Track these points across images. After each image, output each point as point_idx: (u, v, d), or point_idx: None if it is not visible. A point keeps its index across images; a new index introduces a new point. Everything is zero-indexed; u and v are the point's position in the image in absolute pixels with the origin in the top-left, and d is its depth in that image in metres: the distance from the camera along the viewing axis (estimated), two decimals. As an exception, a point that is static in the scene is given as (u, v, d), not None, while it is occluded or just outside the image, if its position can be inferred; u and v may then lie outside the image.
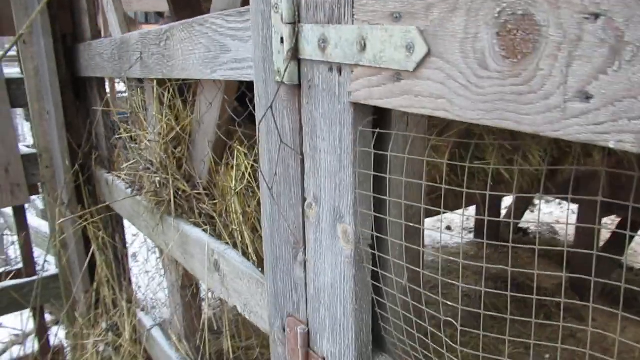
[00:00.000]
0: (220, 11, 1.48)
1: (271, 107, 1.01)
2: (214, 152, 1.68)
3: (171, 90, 1.84)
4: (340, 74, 0.85)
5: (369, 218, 0.90)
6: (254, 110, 1.15)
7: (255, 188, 1.63)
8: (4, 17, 2.69)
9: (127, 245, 3.09)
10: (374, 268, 0.91)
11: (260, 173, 1.13)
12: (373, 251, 0.90)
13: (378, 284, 0.92)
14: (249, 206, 1.66)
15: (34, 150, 2.93)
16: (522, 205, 4.85)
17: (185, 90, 1.83)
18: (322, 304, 1.01)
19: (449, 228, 5.32)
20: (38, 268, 3.11)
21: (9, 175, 2.80)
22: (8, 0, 2.70)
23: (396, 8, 0.73)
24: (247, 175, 1.65)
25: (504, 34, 0.59)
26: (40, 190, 2.96)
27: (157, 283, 3.49)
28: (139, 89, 2.09)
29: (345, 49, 0.82)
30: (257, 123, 1.10)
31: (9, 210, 2.97)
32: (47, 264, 3.28)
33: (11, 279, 3.01)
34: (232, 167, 1.72)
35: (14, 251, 4.05)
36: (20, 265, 3.10)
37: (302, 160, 0.99)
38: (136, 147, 2.13)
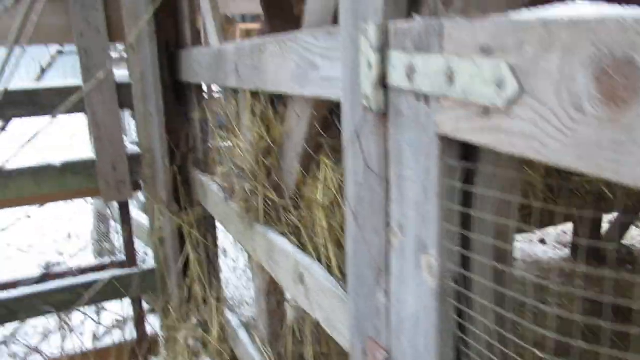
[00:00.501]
0: (312, 26, 1.50)
1: (358, 135, 1.01)
2: (301, 165, 1.71)
3: (263, 101, 1.89)
4: (428, 104, 0.83)
5: (454, 252, 0.87)
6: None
7: (341, 202, 1.64)
8: (115, 25, 2.90)
9: (218, 241, 3.23)
10: (458, 304, 0.88)
11: (345, 195, 1.14)
12: (458, 287, 0.88)
13: (462, 321, 0.89)
14: (334, 220, 1.67)
15: (137, 150, 3.14)
16: (626, 221, 4.48)
17: (276, 102, 1.88)
18: (404, 334, 0.99)
19: (542, 242, 5.04)
20: (138, 260, 3.34)
21: (116, 172, 3.03)
22: (119, 9, 2.91)
23: (486, 41, 0.70)
24: (333, 189, 1.67)
25: (603, 78, 0.55)
26: (142, 187, 3.17)
27: (244, 281, 3.62)
28: (233, 99, 2.17)
29: (433, 80, 0.80)
30: (343, 144, 1.10)
31: (115, 203, 3.21)
32: (146, 257, 3.53)
33: (115, 268, 3.27)
34: (319, 180, 1.74)
35: (118, 241, 4.38)
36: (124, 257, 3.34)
37: (388, 187, 0.98)
38: (229, 154, 2.22)
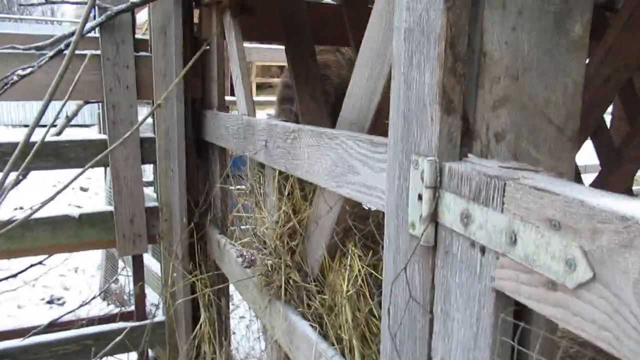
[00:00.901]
0: (347, 123, 1.51)
1: (402, 259, 1.00)
2: (328, 253, 1.69)
3: (291, 181, 1.89)
4: (483, 254, 0.82)
5: (501, 404, 0.85)
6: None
7: (368, 293, 1.62)
8: (144, 83, 2.95)
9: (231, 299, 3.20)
10: None
11: (383, 313, 1.12)
12: None
13: None
14: (359, 310, 1.64)
15: (155, 204, 3.14)
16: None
17: (305, 184, 1.88)
18: None
19: None
20: (147, 308, 3.30)
21: (133, 226, 3.03)
22: (149, 68, 2.96)
23: (555, 216, 0.69)
24: (359, 278, 1.65)
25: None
26: (158, 241, 3.16)
27: (253, 337, 3.55)
28: (259, 172, 2.18)
29: (492, 234, 0.79)
30: (384, 267, 1.09)
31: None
32: (155, 308, 3.48)
33: (123, 319, 3.23)
34: (345, 268, 1.72)
35: (127, 285, 4.34)
36: (132, 308, 3.29)
37: (432, 320, 0.96)
38: (252, 223, 2.22)
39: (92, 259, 6.52)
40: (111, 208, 3.01)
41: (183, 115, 2.93)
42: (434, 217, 0.92)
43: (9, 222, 2.61)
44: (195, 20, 3.11)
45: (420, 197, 0.95)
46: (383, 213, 1.15)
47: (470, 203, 0.83)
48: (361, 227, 1.63)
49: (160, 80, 2.97)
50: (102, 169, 7.37)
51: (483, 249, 0.82)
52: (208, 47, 2.80)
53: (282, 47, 3.38)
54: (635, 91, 3.89)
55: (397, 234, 1.06)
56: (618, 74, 2.11)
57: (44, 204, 2.68)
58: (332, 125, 1.96)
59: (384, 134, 1.26)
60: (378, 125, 1.45)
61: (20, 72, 2.54)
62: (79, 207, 7.83)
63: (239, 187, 2.49)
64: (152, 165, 3.83)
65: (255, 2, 3.07)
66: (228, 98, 3.69)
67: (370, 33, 1.41)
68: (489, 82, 0.95)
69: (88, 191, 10.19)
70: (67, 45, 2.68)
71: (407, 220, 1.01)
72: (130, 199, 2.99)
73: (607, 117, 4.18)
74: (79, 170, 2.69)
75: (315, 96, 2.85)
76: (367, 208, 2.43)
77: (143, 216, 3.04)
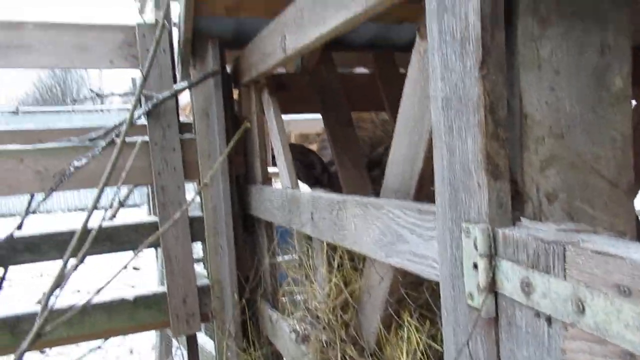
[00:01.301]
0: (391, 191, 1.51)
1: (464, 333, 0.95)
2: (383, 325, 1.65)
3: (340, 252, 1.88)
4: (550, 325, 0.78)
5: None
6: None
7: (429, 366, 1.55)
8: (189, 164, 3.06)
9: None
10: None
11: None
12: None
13: None
14: (421, 385, 1.57)
15: (206, 281, 3.17)
16: None
17: (355, 255, 1.86)
18: None
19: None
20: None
21: (186, 305, 3.04)
22: (194, 149, 3.08)
23: (623, 281, 0.65)
24: (419, 351, 1.58)
25: None
26: (211, 320, 3.16)
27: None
28: (307, 244, 2.18)
29: (557, 303, 0.75)
30: (444, 341, 1.05)
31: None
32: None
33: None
34: (402, 339, 1.66)
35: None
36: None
37: (501, 397, 0.91)
38: (303, 298, 2.19)
39: (147, 340, 6.54)
40: (164, 289, 3.05)
41: (229, 192, 3.00)
42: (492, 287, 0.89)
43: (69, 309, 2.68)
44: (235, 99, 3.24)
45: (475, 266, 0.92)
46: (437, 281, 1.12)
47: (530, 271, 0.80)
48: (415, 295, 1.58)
49: (205, 160, 3.07)
50: (153, 248, 7.56)
51: (549, 319, 0.78)
52: (249, 125, 2.90)
53: (318, 116, 3.48)
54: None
55: (454, 306, 1.02)
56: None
57: (101, 288, 2.75)
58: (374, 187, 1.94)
59: (430, 199, 1.25)
60: (423, 191, 1.44)
61: (76, 164, 2.69)
62: (132, 286, 7.99)
63: (287, 260, 2.49)
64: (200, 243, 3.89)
65: (290, 79, 3.19)
66: (270, 169, 3.78)
67: (406, 101, 1.43)
68: (533, 143, 0.94)
69: (140, 270, 10.43)
70: (117, 135, 2.84)
71: (464, 291, 0.97)
72: (182, 279, 3.03)
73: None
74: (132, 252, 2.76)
75: (356, 163, 2.88)
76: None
77: (195, 295, 3.06)
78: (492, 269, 0.88)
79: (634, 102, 2.51)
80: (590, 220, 0.97)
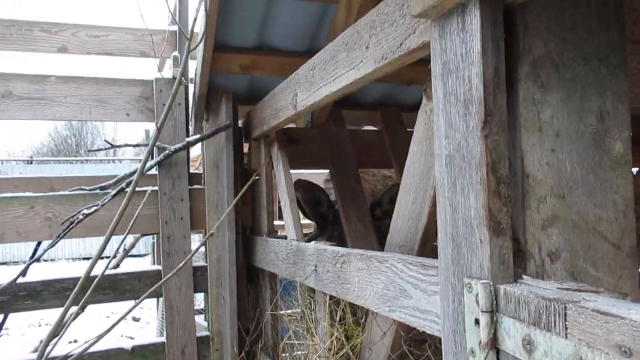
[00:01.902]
0: (396, 244, 1.52)
1: (466, 395, 0.94)
2: (386, 380, 1.62)
3: (343, 306, 1.87)
4: (552, 385, 0.78)
5: None
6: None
7: None
8: (197, 214, 3.09)
9: None
10: None
11: None
12: None
13: None
14: None
15: (207, 333, 3.13)
16: None
17: (357, 308, 1.85)
18: None
19: None
20: None
21: (185, 356, 2.99)
22: (202, 199, 3.12)
23: (624, 342, 0.66)
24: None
25: None
26: (209, 373, 3.09)
27: None
28: (310, 297, 2.17)
29: (559, 362, 0.75)
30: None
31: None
32: None
33: None
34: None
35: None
36: None
37: None
38: (303, 353, 2.16)
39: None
40: (163, 339, 3.01)
41: (234, 242, 3.01)
42: (494, 344, 0.89)
43: (66, 357, 2.64)
44: (245, 152, 3.31)
45: (477, 322, 0.93)
46: (439, 338, 1.12)
47: (531, 328, 0.81)
48: (418, 352, 1.56)
49: (212, 211, 3.10)
50: (154, 299, 7.47)
51: (551, 379, 0.78)
52: (258, 177, 2.95)
53: (325, 171, 3.52)
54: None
55: (456, 363, 1.01)
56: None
57: (99, 337, 2.71)
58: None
59: (433, 255, 1.26)
60: (427, 247, 1.45)
61: (85, 211, 2.72)
62: (131, 338, 7.84)
63: (290, 312, 2.46)
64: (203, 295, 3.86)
65: (300, 134, 3.26)
66: (276, 222, 3.80)
67: (412, 159, 1.47)
68: (535, 202, 0.96)
69: (140, 321, 10.25)
70: (127, 184, 2.89)
71: (465, 347, 0.97)
72: (182, 330, 2.99)
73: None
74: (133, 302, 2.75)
75: (362, 219, 2.90)
76: (422, 331, 2.34)
77: (194, 346, 3.02)
78: (494, 325, 0.88)
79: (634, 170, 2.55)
80: (594, 281, 0.98)
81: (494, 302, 0.89)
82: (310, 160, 3.25)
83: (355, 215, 2.91)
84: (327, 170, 3.51)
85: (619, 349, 0.66)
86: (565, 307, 0.75)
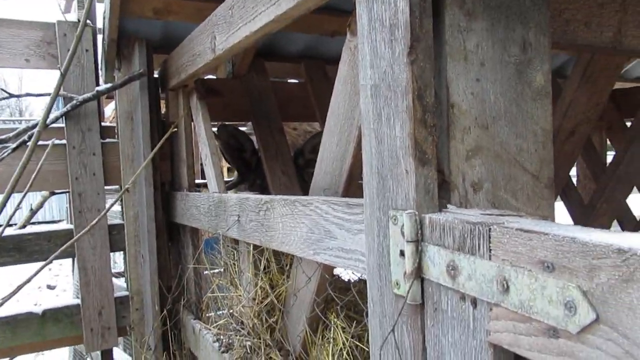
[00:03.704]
0: (319, 189, 1.49)
1: (392, 330, 0.93)
2: (309, 326, 1.61)
3: (267, 255, 1.83)
4: (475, 307, 0.78)
5: None
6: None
7: (355, 368, 1.52)
8: (111, 170, 2.90)
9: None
10: None
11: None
12: None
13: None
14: (347, 387, 1.54)
15: (126, 293, 3.00)
16: None
17: (282, 257, 1.82)
18: None
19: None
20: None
21: (102, 318, 2.86)
22: (116, 152, 2.93)
23: (547, 257, 0.66)
24: (344, 351, 1.56)
25: None
26: (129, 333, 2.98)
27: None
28: (233, 248, 2.11)
29: (482, 284, 0.75)
30: (370, 334, 1.02)
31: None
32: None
33: None
34: (328, 341, 1.63)
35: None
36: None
37: (426, 387, 0.89)
38: (228, 305, 2.11)
39: (58, 357, 6.11)
40: (78, 301, 2.85)
41: (152, 198, 2.87)
42: (418, 273, 0.88)
43: (-34, 324, 2.44)
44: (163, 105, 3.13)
45: (402, 254, 0.91)
46: (364, 281, 1.10)
47: (456, 254, 0.80)
48: (342, 297, 1.56)
49: (127, 166, 2.93)
50: (70, 264, 7.11)
51: (474, 301, 0.78)
52: (176, 129, 2.80)
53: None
54: (596, 149, 4.03)
55: (381, 296, 1.00)
56: (580, 127, 2.17)
57: (4, 300, 2.52)
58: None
59: (357, 196, 1.24)
60: (351, 189, 1.43)
61: (-18, 165, 2.47)
62: (45, 305, 7.45)
63: (212, 267, 2.40)
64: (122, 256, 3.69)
65: (220, 84, 3.12)
66: (198, 181, 3.66)
67: (336, 99, 1.42)
68: (459, 133, 0.95)
69: (55, 289, 9.77)
70: (30, 137, 2.65)
71: (390, 280, 0.96)
72: (99, 290, 2.84)
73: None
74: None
75: (286, 171, 2.85)
76: (347, 280, 2.36)
77: (112, 307, 2.89)
78: (419, 255, 0.87)
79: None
80: (514, 210, 0.99)
81: (419, 232, 0.88)
82: (230, 112, 3.13)
83: (279, 168, 2.86)
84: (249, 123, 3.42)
85: (541, 264, 0.66)
86: (490, 229, 0.74)
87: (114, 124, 3.12)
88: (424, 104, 0.90)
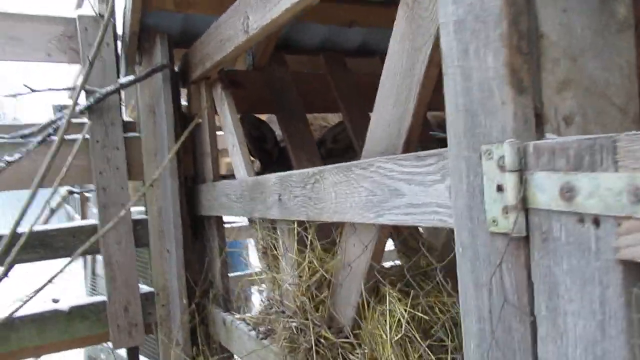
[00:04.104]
0: (379, 154, 1.46)
1: (500, 264, 0.90)
2: (363, 299, 1.57)
3: (311, 232, 1.79)
4: (598, 226, 0.74)
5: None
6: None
7: (416, 338, 1.48)
8: (134, 164, 2.87)
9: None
10: None
11: (465, 336, 1.00)
12: None
13: None
14: (407, 358, 1.50)
15: (150, 289, 2.95)
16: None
17: (331, 230, 1.78)
18: None
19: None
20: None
21: (128, 314, 2.80)
22: (139, 148, 2.89)
23: (692, 155, 0.62)
24: (404, 322, 1.51)
25: None
26: (155, 330, 2.93)
27: None
28: (270, 231, 2.07)
29: (608, 200, 0.72)
30: (460, 283, 0.99)
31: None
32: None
33: None
34: (383, 313, 1.59)
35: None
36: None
37: (534, 323, 0.85)
38: (267, 290, 2.07)
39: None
40: (103, 298, 2.80)
41: (177, 192, 2.83)
42: (523, 205, 0.84)
43: (-6, 320, 2.39)
44: (184, 98, 3.11)
45: (500, 188, 0.88)
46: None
47: (571, 174, 0.76)
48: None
49: (150, 160, 2.90)
50: (77, 276, 7.04)
51: (597, 220, 0.74)
52: (200, 121, 2.77)
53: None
54: None
55: (472, 239, 0.96)
56: None
57: (30, 298, 2.47)
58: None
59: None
60: (410, 148, 1.40)
61: (8, 158, 2.43)
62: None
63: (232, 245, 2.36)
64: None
65: (242, 76, 3.10)
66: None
67: (391, 59, 1.39)
68: (550, 64, 0.92)
69: (59, 302, 9.66)
70: (55, 131, 2.62)
71: (484, 220, 0.92)
72: (125, 286, 2.79)
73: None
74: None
75: (312, 159, 2.81)
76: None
77: (139, 303, 2.83)
78: (523, 185, 0.84)
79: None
80: (603, 147, 0.96)
81: (522, 160, 0.84)
82: (252, 104, 3.10)
83: (304, 157, 2.83)
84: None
85: (685, 164, 0.63)
86: (614, 140, 0.71)
87: (132, 119, 3.09)
88: (519, 30, 0.88)
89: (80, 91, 2.56)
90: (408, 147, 1.39)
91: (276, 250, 2.08)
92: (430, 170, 1.14)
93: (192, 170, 3.03)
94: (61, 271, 2.32)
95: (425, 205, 1.16)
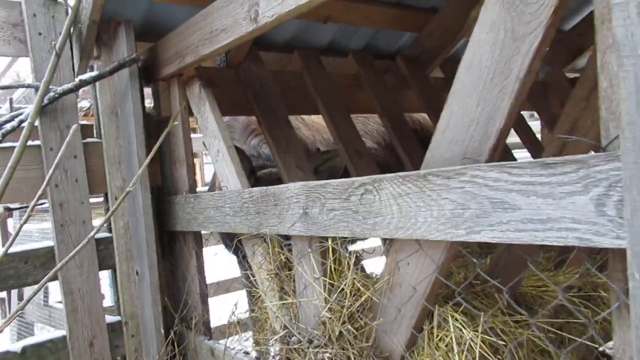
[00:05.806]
0: (450, 160, 1.27)
1: None
2: (415, 326, 1.38)
3: (341, 251, 1.58)
4: None
5: None
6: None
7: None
8: (94, 175, 2.48)
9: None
10: None
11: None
12: None
13: None
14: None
15: (117, 318, 2.57)
16: None
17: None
18: None
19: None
20: None
21: (94, 350, 2.42)
22: (99, 154, 2.52)
23: None
24: (477, 349, 1.34)
25: None
26: (124, 364, 2.56)
27: None
28: (281, 248, 1.83)
29: None
30: (632, 304, 0.82)
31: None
32: None
33: None
34: (442, 340, 1.41)
35: None
36: None
37: None
38: (284, 314, 1.82)
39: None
40: (63, 332, 2.39)
41: (150, 205, 2.48)
42: None
43: None
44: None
45: None
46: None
47: None
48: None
49: (114, 169, 2.53)
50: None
51: None
52: (177, 123, 2.45)
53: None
54: None
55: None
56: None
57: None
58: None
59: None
60: (495, 155, 1.23)
61: (-55, 171, 1.99)
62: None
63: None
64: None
65: (216, 74, 2.80)
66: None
67: (476, 51, 1.21)
68: None
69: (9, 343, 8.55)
70: (3, 136, 2.20)
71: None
72: (89, 317, 2.41)
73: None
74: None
75: (301, 166, 2.58)
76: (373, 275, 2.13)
77: (105, 335, 2.45)
78: None
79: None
80: None
81: None
82: (226, 104, 2.81)
83: (293, 163, 2.58)
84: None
85: None
86: None
87: (90, 122, 2.69)
88: None
89: (45, 89, 2.16)
90: (495, 153, 1.21)
91: (289, 271, 1.84)
92: (565, 180, 0.97)
93: (159, 180, 2.69)
94: (25, 304, 1.92)
95: (552, 221, 0.99)
